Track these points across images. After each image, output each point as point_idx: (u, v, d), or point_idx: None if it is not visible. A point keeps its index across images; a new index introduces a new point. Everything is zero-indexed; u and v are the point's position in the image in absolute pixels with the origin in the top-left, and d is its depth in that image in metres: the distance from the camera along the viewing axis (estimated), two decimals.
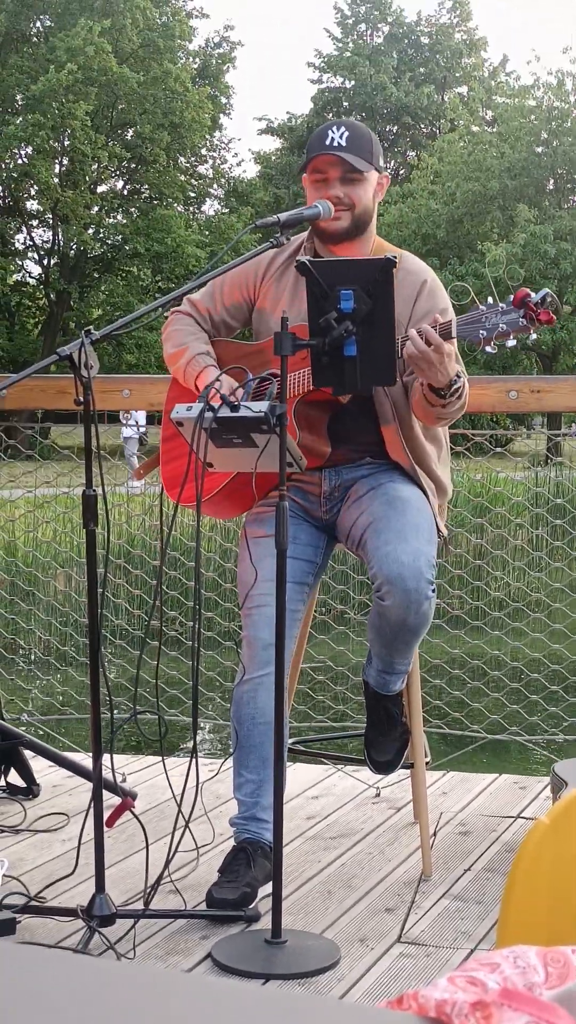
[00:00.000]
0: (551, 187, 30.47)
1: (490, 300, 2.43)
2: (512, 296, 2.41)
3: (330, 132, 2.63)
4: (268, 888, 2.51)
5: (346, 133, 2.61)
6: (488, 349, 2.43)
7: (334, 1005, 0.60)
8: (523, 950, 0.63)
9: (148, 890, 2.38)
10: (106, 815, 2.39)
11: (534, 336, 2.45)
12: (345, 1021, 0.57)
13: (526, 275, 26.59)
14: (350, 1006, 0.57)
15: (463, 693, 4.13)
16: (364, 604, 4.40)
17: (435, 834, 2.95)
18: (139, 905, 2.44)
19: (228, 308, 2.76)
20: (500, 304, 2.42)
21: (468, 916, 2.51)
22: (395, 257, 2.37)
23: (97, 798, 2.33)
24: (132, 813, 2.47)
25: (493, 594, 4.73)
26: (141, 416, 13.09)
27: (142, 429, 13.61)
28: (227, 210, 34.13)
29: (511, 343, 2.44)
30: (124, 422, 11.26)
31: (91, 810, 2.33)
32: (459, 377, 2.47)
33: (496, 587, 5.59)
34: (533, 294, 2.41)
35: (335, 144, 2.60)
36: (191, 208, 34.38)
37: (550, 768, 3.03)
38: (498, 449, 3.97)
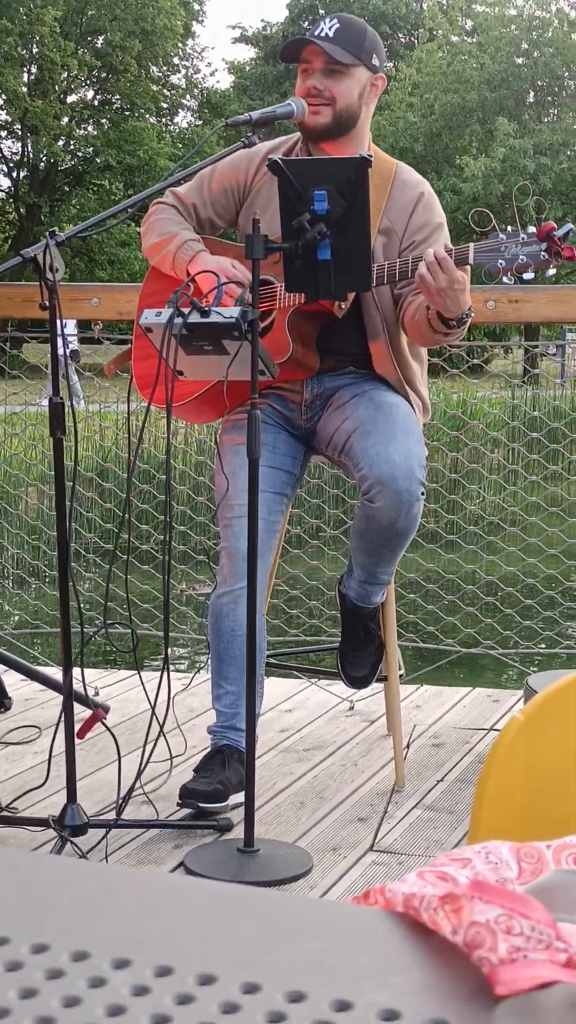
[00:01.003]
0: (531, 100, 29.96)
1: (510, 228, 2.36)
2: (534, 228, 2.34)
3: (322, 23, 2.56)
4: (241, 797, 2.52)
5: (336, 26, 2.53)
6: (506, 279, 2.37)
7: (300, 900, 0.57)
8: (495, 845, 0.60)
9: (120, 800, 2.37)
10: (77, 727, 2.38)
11: (552, 271, 2.38)
12: (310, 915, 0.54)
13: (504, 191, 26.23)
14: (315, 901, 0.54)
15: (438, 608, 4.13)
16: (339, 519, 4.38)
17: (408, 746, 2.96)
18: (111, 816, 2.45)
19: (215, 201, 2.66)
20: (521, 234, 2.35)
21: (440, 825, 2.52)
22: (370, 155, 2.30)
23: (68, 709, 2.32)
24: (104, 725, 2.45)
25: (469, 509, 4.72)
26: (70, 326, 12.28)
27: (72, 343, 13.02)
28: (200, 122, 33.41)
29: (529, 276, 2.37)
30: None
31: (62, 722, 2.31)
32: (469, 311, 2.42)
33: (472, 502, 5.57)
34: (558, 227, 2.34)
35: (322, 34, 2.53)
36: (164, 120, 33.63)
37: (524, 681, 3.04)
38: (475, 361, 3.92)
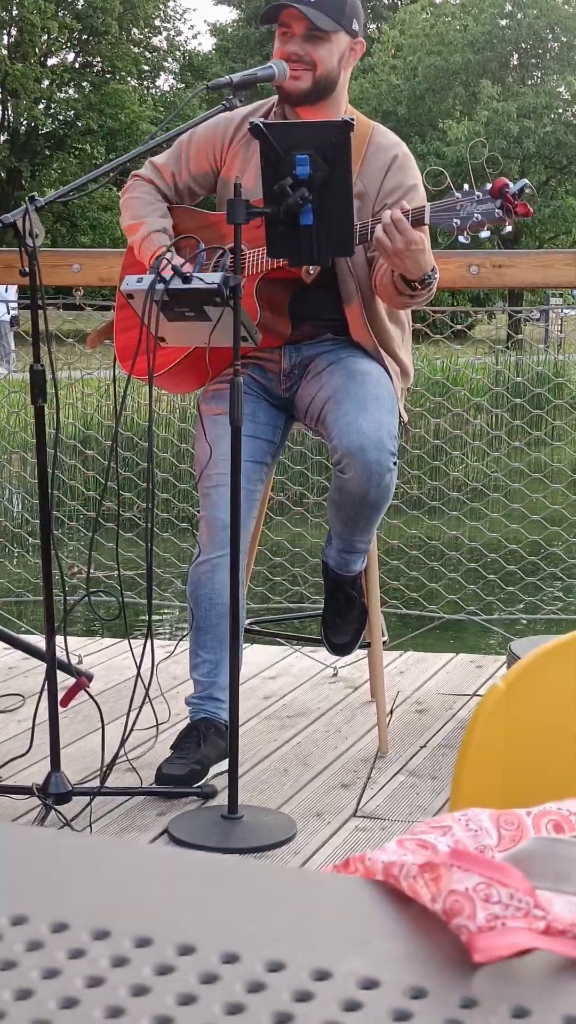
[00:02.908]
0: (515, 62, 29.77)
1: (466, 187, 2.34)
2: (489, 185, 2.32)
3: None
4: (225, 765, 2.53)
5: None
6: (461, 239, 2.35)
7: (279, 870, 0.57)
8: (475, 813, 0.60)
9: (104, 768, 2.38)
10: (61, 695, 2.38)
11: (509, 228, 2.36)
12: (289, 884, 0.54)
13: (490, 154, 26.08)
14: (294, 871, 0.54)
15: (421, 574, 4.14)
16: (322, 486, 4.38)
17: (391, 712, 2.97)
18: (95, 783, 2.45)
19: (194, 175, 2.66)
20: (476, 192, 2.34)
21: (423, 791, 2.54)
22: (352, 119, 2.28)
23: (51, 677, 2.32)
24: (87, 693, 2.46)
25: (452, 475, 4.72)
26: (11, 292, 12.44)
27: (13, 309, 13.10)
28: (183, 85, 33.10)
29: (485, 234, 2.36)
30: None
31: (45, 690, 2.31)
32: (434, 272, 2.41)
33: (455, 468, 5.57)
34: (511, 184, 2.32)
35: None
36: (145, 83, 33.29)
37: (507, 647, 3.05)
38: (458, 327, 3.91)
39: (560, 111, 28.32)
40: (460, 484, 4.86)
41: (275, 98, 2.64)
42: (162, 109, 30.58)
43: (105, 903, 0.54)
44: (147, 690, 2.36)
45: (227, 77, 2.44)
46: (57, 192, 2.32)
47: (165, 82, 34.61)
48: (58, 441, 2.31)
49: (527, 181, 2.38)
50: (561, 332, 19.29)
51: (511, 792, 0.73)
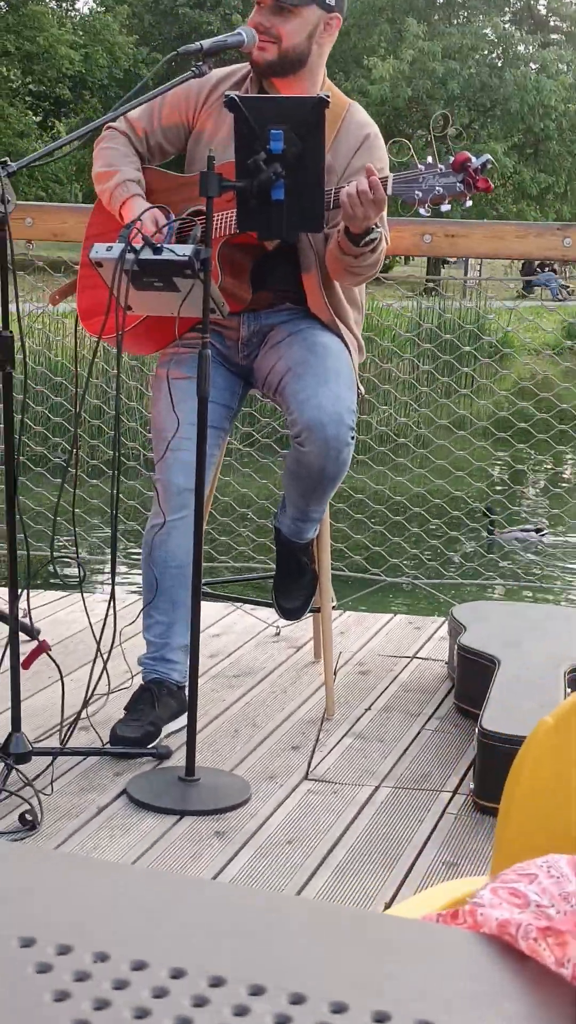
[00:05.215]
0: (441, 0, 29.49)
1: (429, 159, 2.38)
2: (452, 158, 2.36)
3: None
4: (177, 724, 2.58)
5: None
6: (422, 211, 2.39)
7: (388, 921, 0.62)
8: (555, 859, 0.66)
9: (67, 728, 2.42)
10: (22, 657, 2.40)
11: (469, 203, 2.40)
12: (402, 935, 0.59)
13: (412, 95, 25.93)
14: (406, 921, 0.59)
15: (365, 537, 4.19)
16: (269, 447, 4.40)
17: (335, 674, 3.05)
18: (52, 741, 2.49)
19: (165, 129, 2.64)
20: (439, 165, 2.37)
21: (371, 754, 2.62)
22: (327, 96, 2.29)
23: (13, 640, 2.34)
24: (49, 656, 2.48)
25: (377, 429, 4.77)
26: None
27: None
28: (102, 8, 32.10)
29: (446, 207, 2.40)
30: None
31: (7, 652, 2.34)
32: (377, 227, 2.43)
33: (380, 422, 5.62)
34: (474, 158, 2.36)
35: None
36: (64, 5, 32.19)
37: (447, 611, 3.14)
38: (385, 278, 3.94)
39: (485, 52, 28.20)
40: (383, 437, 4.90)
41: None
42: (81, 34, 29.62)
43: (220, 949, 0.58)
44: (106, 657, 2.40)
45: (197, 44, 2.42)
46: (29, 158, 2.30)
47: (85, 5, 33.58)
48: (26, 388, 2.31)
49: (489, 156, 2.42)
50: (480, 274, 19.41)
51: (560, 831, 0.78)
